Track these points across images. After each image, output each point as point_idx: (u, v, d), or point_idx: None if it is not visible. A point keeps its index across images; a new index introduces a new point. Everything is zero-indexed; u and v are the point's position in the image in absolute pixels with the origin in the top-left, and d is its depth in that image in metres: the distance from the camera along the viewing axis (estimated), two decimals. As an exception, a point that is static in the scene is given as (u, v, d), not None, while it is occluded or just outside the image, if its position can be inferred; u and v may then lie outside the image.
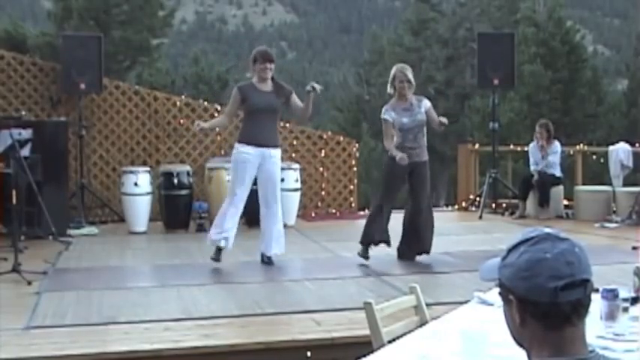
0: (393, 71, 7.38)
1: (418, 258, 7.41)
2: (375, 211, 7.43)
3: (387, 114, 7.23)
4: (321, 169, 11.45)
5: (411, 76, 7.27)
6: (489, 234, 9.21)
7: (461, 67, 30.50)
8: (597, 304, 2.91)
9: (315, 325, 5.02)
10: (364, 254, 7.33)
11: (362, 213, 11.61)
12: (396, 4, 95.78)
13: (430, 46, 30.95)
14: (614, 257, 7.18)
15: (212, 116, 11.13)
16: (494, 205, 11.47)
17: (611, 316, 2.98)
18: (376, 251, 7.65)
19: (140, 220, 9.74)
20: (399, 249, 7.44)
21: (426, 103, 7.33)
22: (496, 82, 11.27)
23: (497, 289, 1.73)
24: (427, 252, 7.41)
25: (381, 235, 7.35)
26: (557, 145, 10.71)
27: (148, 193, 9.81)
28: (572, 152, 12.38)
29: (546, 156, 10.58)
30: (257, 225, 10.04)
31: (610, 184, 10.82)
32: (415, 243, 7.40)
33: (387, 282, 6.37)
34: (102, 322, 5.13)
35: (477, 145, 12.61)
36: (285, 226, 10.10)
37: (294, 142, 11.37)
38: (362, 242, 7.36)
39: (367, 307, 3.11)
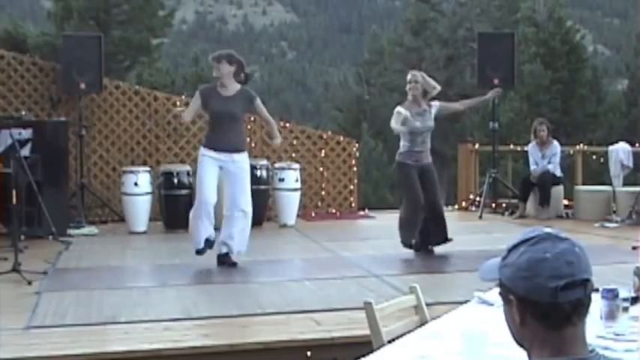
0: (408, 76, 7.67)
1: (438, 248, 7.71)
2: (412, 212, 7.53)
3: (403, 110, 7.43)
4: (321, 169, 11.45)
5: (420, 77, 7.54)
6: (489, 234, 9.21)
7: (461, 67, 30.49)
8: (597, 304, 2.91)
9: (315, 325, 5.02)
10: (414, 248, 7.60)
11: (362, 213, 11.62)
12: (396, 4, 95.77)
13: (430, 46, 30.93)
14: (614, 257, 7.18)
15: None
16: (494, 205, 11.47)
17: (611, 316, 2.98)
18: (377, 251, 7.67)
19: (140, 220, 9.74)
20: (415, 244, 7.61)
21: (436, 105, 7.61)
22: (496, 82, 11.25)
23: (497, 289, 1.73)
24: (448, 239, 7.68)
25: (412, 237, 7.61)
26: (556, 145, 10.70)
27: (147, 193, 9.82)
28: (572, 152, 12.38)
29: (545, 152, 10.57)
30: (257, 225, 10.11)
31: (610, 184, 10.81)
32: (435, 235, 7.65)
33: (387, 282, 6.37)
34: (102, 322, 5.13)
35: (476, 145, 12.61)
36: (285, 226, 10.19)
37: (294, 142, 11.37)
38: (404, 244, 7.60)
39: (367, 307, 3.11)
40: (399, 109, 7.46)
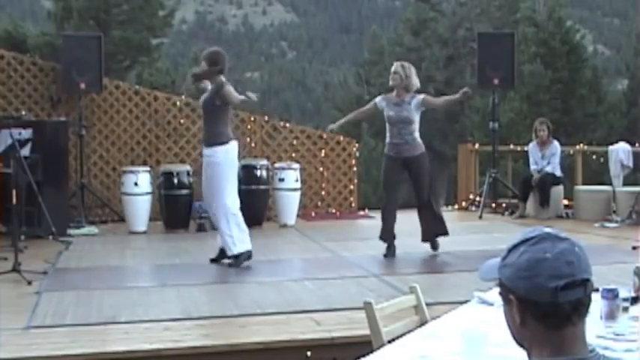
0: (393, 68, 7.69)
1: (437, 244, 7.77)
2: (381, 210, 7.73)
3: (379, 99, 7.70)
4: (321, 169, 11.45)
5: (402, 70, 7.54)
6: (489, 234, 9.21)
7: (461, 67, 30.49)
8: (597, 304, 2.91)
9: (315, 325, 5.02)
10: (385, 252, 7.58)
11: (362, 213, 11.62)
12: (396, 4, 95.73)
13: (430, 46, 30.93)
14: (614, 257, 7.18)
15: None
16: (494, 205, 11.47)
17: (611, 315, 2.98)
18: (377, 251, 7.66)
19: (140, 220, 9.74)
20: (387, 247, 7.65)
21: (418, 99, 7.52)
22: (496, 82, 11.27)
23: (497, 289, 1.73)
24: (445, 234, 7.72)
25: (386, 235, 7.61)
26: (556, 146, 10.70)
27: (147, 193, 9.81)
28: (572, 152, 12.38)
29: (545, 152, 10.57)
30: (257, 225, 10.11)
31: (610, 184, 10.81)
32: (429, 229, 7.70)
33: (387, 282, 6.37)
34: (102, 322, 5.13)
35: (476, 145, 12.61)
36: (285, 226, 10.19)
37: (294, 142, 11.37)
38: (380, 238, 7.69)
39: (367, 307, 3.11)
40: (375, 99, 7.75)
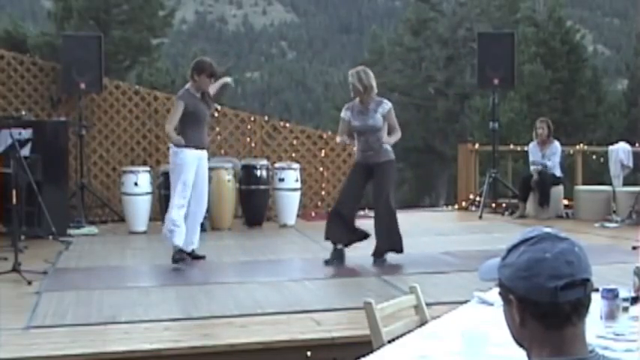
0: (349, 76, 7.26)
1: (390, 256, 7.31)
2: (331, 212, 7.48)
3: (344, 112, 7.34)
4: (321, 169, 11.45)
5: (358, 81, 7.11)
6: (489, 234, 9.20)
7: (461, 67, 30.50)
8: (597, 304, 2.91)
9: (315, 325, 5.02)
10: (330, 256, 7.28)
11: (362, 213, 11.59)
12: (396, 4, 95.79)
13: (430, 46, 30.94)
14: (614, 257, 7.18)
15: (212, 116, 11.12)
16: (494, 205, 11.47)
17: (611, 315, 2.98)
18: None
19: (140, 220, 9.74)
20: (333, 250, 7.33)
21: (385, 107, 7.18)
22: (496, 82, 11.27)
23: (497, 289, 1.73)
24: (400, 250, 7.25)
25: (339, 237, 7.31)
26: (556, 145, 10.70)
27: (147, 193, 9.81)
28: (572, 152, 12.38)
29: (545, 152, 10.56)
30: (257, 225, 10.12)
31: (610, 184, 10.81)
32: (380, 243, 7.28)
33: (387, 282, 6.37)
34: (102, 322, 5.13)
35: (476, 145, 12.60)
36: (285, 226, 10.19)
37: (294, 142, 11.37)
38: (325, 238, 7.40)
39: (367, 307, 3.11)
40: (342, 113, 7.34)
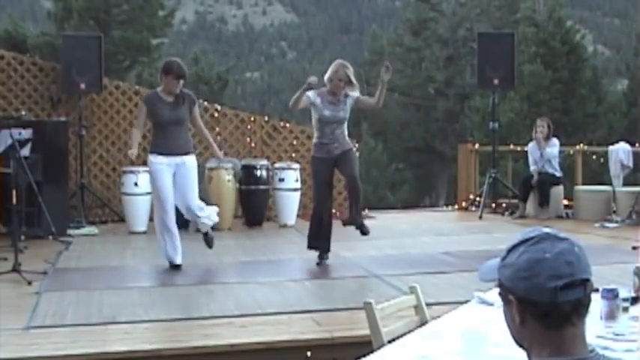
0: (334, 67, 7.09)
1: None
2: (313, 215, 7.40)
3: (313, 96, 7.01)
4: (321, 169, 11.43)
5: (345, 75, 7.02)
6: (489, 234, 9.20)
7: (461, 67, 30.51)
8: (597, 304, 2.91)
9: (315, 325, 5.02)
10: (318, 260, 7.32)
11: (362, 213, 11.60)
12: (396, 4, 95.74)
13: (430, 46, 30.95)
14: (614, 257, 7.18)
15: (212, 116, 11.16)
16: (494, 205, 11.47)
17: (611, 316, 2.98)
18: (377, 251, 7.65)
19: (140, 220, 9.74)
20: (320, 254, 7.42)
21: (353, 98, 7.11)
22: (496, 82, 11.27)
23: (497, 289, 1.73)
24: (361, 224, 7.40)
25: (323, 245, 7.37)
26: (555, 142, 10.69)
27: (147, 193, 9.79)
28: (572, 152, 12.38)
29: (544, 151, 10.55)
30: (257, 225, 10.11)
31: (610, 184, 10.81)
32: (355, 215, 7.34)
33: (387, 282, 6.37)
34: (102, 322, 5.13)
35: (476, 145, 12.60)
36: (285, 226, 10.19)
37: (294, 142, 11.37)
38: (308, 247, 7.37)
39: (367, 307, 3.11)
40: (309, 93, 6.98)
